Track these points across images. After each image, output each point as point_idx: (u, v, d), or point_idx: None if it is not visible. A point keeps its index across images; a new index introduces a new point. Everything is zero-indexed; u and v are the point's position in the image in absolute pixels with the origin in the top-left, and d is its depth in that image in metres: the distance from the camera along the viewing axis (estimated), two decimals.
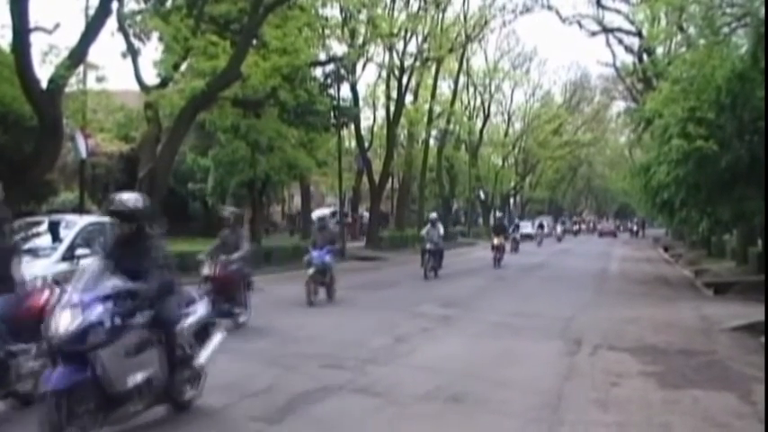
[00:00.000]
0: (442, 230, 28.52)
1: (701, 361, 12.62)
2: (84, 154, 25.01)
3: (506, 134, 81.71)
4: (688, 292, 25.78)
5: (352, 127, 49.42)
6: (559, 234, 74.26)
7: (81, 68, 23.58)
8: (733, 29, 23.91)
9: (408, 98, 54.50)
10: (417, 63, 50.83)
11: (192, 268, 25.30)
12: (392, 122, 50.68)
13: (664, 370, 11.74)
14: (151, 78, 28.29)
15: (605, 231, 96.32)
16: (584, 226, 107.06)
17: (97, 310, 6.93)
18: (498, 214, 44.49)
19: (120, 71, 57.15)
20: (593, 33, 44.93)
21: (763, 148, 20.26)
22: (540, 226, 65.15)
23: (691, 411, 9.29)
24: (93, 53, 24.33)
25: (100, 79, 25.15)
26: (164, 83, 27.03)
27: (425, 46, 50.62)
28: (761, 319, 15.80)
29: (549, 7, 45.05)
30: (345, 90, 44.66)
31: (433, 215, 29.74)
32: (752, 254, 28.24)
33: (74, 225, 15.53)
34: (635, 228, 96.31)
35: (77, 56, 21.62)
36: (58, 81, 20.72)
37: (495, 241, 35.24)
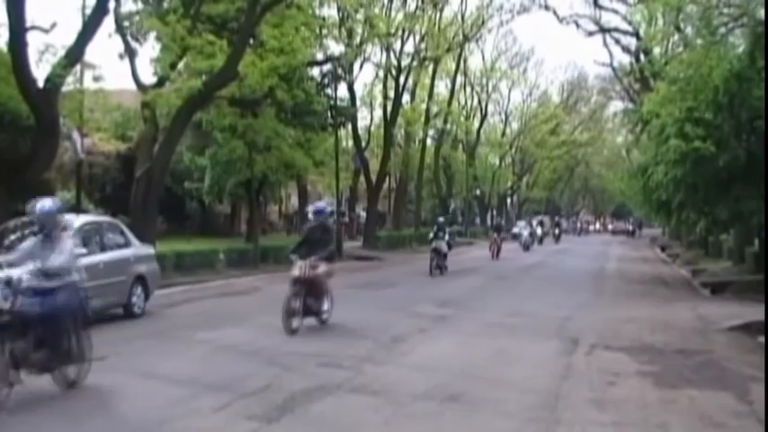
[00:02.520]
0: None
1: (698, 360, 12.64)
2: (80, 153, 25.00)
3: (503, 134, 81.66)
4: (685, 291, 25.80)
5: (350, 127, 49.35)
6: (527, 239, 51.16)
7: (78, 67, 23.52)
8: (730, 29, 23.94)
9: (405, 98, 54.49)
10: (414, 63, 50.78)
11: (188, 267, 25.49)
12: (389, 122, 50.63)
13: (660, 370, 11.77)
14: (148, 77, 28.28)
15: (618, 230, 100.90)
16: (565, 225, 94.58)
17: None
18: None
19: (117, 70, 57.06)
20: (591, 33, 44.97)
21: (760, 147, 20.31)
22: (497, 229, 45.36)
23: (687, 411, 9.31)
24: (90, 52, 24.26)
25: (97, 78, 25.08)
26: (161, 82, 26.99)
27: (423, 46, 50.57)
28: (758, 318, 15.84)
29: (547, 7, 45.04)
30: (342, 90, 44.69)
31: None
32: (749, 253, 28.26)
33: (70, 224, 15.48)
34: (631, 228, 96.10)
35: (74, 55, 21.60)
36: (54, 80, 20.69)
37: (297, 271, 15.14)
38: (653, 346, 13.93)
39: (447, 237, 30.14)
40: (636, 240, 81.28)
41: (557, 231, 68.16)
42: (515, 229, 66.51)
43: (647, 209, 27.83)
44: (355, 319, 16.86)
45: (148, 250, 18.20)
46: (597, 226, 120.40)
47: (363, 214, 52.64)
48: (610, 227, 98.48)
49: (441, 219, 32.92)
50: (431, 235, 30.44)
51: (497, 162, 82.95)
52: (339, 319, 16.64)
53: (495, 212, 79.30)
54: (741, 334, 15.46)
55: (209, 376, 10.59)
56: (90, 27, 22.03)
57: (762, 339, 14.46)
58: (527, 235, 51.75)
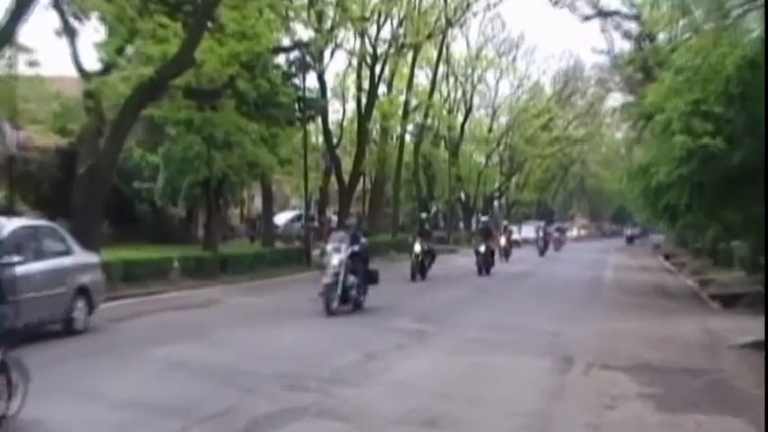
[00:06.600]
0: None
1: (705, 381, 12.68)
2: (13, 148, 24.78)
3: (490, 129, 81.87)
4: (691, 304, 25.93)
5: (320, 121, 49.31)
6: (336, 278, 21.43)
7: (10, 51, 23.28)
8: (744, 11, 23.95)
9: (382, 89, 54.57)
10: (392, 50, 50.87)
11: (137, 278, 25.33)
12: (364, 116, 50.68)
13: (663, 391, 11.79)
14: (92, 63, 28.04)
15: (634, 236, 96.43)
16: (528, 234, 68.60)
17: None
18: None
19: (56, 54, 56.43)
20: (587, 18, 44.92)
21: None
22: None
23: None
24: (25, 34, 23.95)
25: (32, 63, 24.89)
26: (106, 69, 26.80)
27: (401, 31, 50.67)
28: None
29: None
30: (312, 80, 44.67)
31: None
32: (764, 262, 28.40)
33: (1, 229, 15.28)
34: (629, 233, 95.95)
35: (5, 36, 21.35)
36: None
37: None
38: (655, 365, 13.95)
39: None
40: (635, 248, 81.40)
41: (486, 249, 36.92)
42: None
43: (648, 212, 27.85)
44: (324, 334, 16.88)
45: (92, 258, 18.05)
46: (575, 232, 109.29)
47: (335, 218, 52.53)
48: (627, 232, 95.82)
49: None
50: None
51: (483, 161, 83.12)
52: (305, 335, 16.64)
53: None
54: (754, 351, 15.49)
55: (159, 399, 10.50)
56: (23, 4, 21.73)
57: None
58: (336, 265, 20.62)
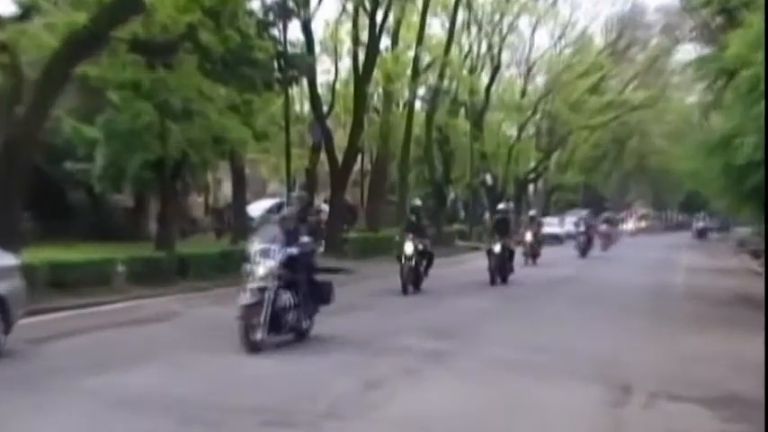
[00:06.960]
0: None
1: None
2: None
3: (524, 93, 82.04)
4: None
5: (306, 83, 49.36)
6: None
7: None
8: None
9: (385, 43, 54.63)
10: None
11: (71, 285, 25.27)
12: (362, 77, 50.63)
13: (750, 429, 11.71)
14: (6, 6, 27.93)
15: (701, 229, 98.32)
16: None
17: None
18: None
19: None
20: None
21: None
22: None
23: None
24: None
25: None
26: (25, 14, 26.69)
27: None
28: None
29: None
30: (295, 30, 44.70)
31: None
32: None
33: None
34: (700, 225, 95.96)
35: None
36: None
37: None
38: (740, 396, 13.95)
39: None
40: (710, 244, 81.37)
41: (503, 249, 35.23)
42: (549, 229, 64.21)
43: (730, 198, 27.78)
44: (313, 356, 16.93)
45: (9, 260, 17.94)
46: (631, 225, 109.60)
47: (325, 208, 52.63)
48: (698, 224, 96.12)
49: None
50: None
51: (515, 133, 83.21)
52: (289, 358, 16.58)
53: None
54: None
55: None
56: None
57: None
58: (262, 276, 18.42)
